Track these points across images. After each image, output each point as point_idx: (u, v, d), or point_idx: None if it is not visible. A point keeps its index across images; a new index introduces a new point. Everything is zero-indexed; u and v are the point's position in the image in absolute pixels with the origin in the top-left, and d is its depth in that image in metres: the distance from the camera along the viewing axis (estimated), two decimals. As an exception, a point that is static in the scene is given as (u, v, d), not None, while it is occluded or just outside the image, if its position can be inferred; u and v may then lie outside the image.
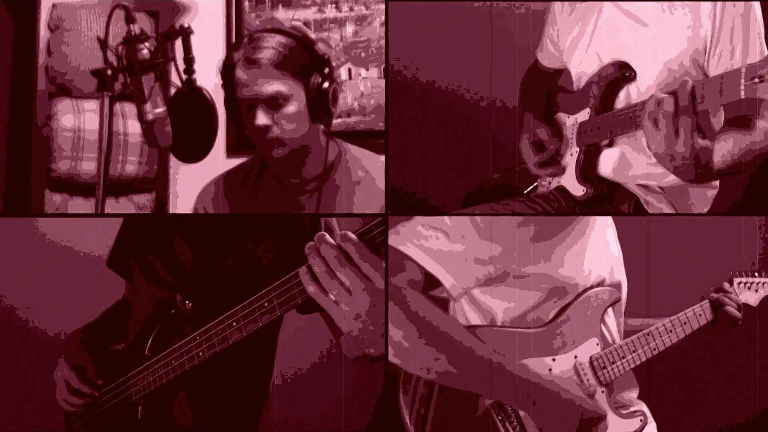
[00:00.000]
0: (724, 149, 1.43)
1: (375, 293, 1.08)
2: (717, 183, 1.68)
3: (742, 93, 1.23)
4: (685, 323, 1.55)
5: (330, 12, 2.52)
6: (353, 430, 2.12)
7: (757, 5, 1.48)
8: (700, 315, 1.58)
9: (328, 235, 1.10)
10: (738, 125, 1.50)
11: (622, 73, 1.59)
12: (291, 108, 1.64)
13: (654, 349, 1.50)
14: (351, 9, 2.51)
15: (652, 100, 1.34)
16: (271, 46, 1.64)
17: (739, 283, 1.64)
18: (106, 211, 1.60)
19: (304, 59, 1.65)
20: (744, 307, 1.62)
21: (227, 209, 1.80)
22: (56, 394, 1.55)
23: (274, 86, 1.63)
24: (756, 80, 1.21)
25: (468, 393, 1.36)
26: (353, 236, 1.09)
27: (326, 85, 1.65)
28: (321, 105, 1.66)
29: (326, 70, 1.66)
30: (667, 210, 1.66)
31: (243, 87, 1.64)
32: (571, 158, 1.71)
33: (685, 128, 1.30)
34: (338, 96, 1.71)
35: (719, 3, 1.48)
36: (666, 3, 1.54)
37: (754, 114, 1.49)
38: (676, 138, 1.31)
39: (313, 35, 1.68)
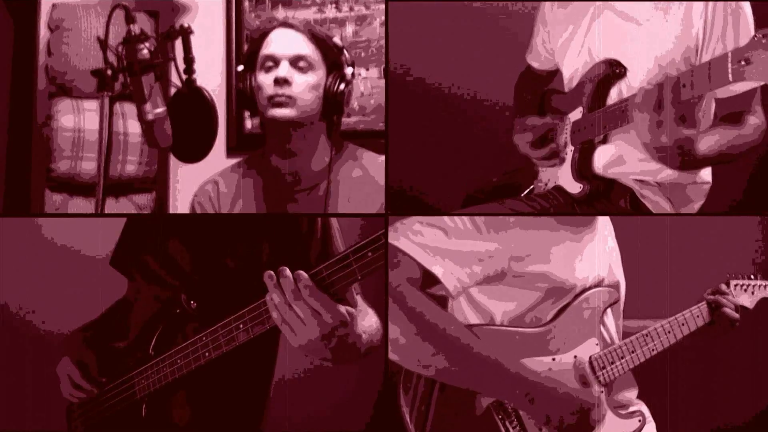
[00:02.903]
0: (711, 141, 1.47)
1: (324, 326, 1.22)
2: (709, 177, 1.70)
3: (730, 76, 1.26)
4: (683, 324, 1.55)
5: (330, 12, 2.52)
6: (354, 429, 2.12)
7: (746, 5, 1.50)
8: (698, 316, 1.58)
9: (287, 270, 1.22)
10: (729, 121, 1.53)
11: (612, 71, 1.61)
12: (311, 79, 1.69)
13: (653, 350, 1.50)
14: (351, 9, 2.51)
15: (640, 92, 1.39)
16: (310, 24, 1.75)
17: (736, 286, 1.64)
18: (106, 211, 1.60)
19: (333, 52, 1.72)
20: (740, 309, 1.63)
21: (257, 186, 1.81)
22: (61, 389, 1.56)
23: (304, 48, 1.70)
24: (743, 63, 1.24)
25: (468, 392, 1.36)
26: (305, 276, 1.22)
27: (342, 86, 1.70)
28: (335, 103, 1.71)
29: (349, 71, 1.73)
30: (663, 203, 1.67)
31: (274, 44, 1.71)
32: (567, 157, 1.71)
33: (669, 119, 1.35)
34: (351, 99, 1.76)
35: (710, 3, 1.50)
36: (659, 3, 1.56)
37: (746, 109, 1.54)
38: (659, 128, 1.36)
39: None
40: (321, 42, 1.71)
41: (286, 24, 1.73)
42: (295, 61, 1.69)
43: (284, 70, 1.68)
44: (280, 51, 1.69)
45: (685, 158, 1.40)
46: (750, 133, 1.54)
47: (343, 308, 1.25)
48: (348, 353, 1.32)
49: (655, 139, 1.37)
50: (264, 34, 1.73)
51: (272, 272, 1.23)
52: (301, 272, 1.22)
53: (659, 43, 1.55)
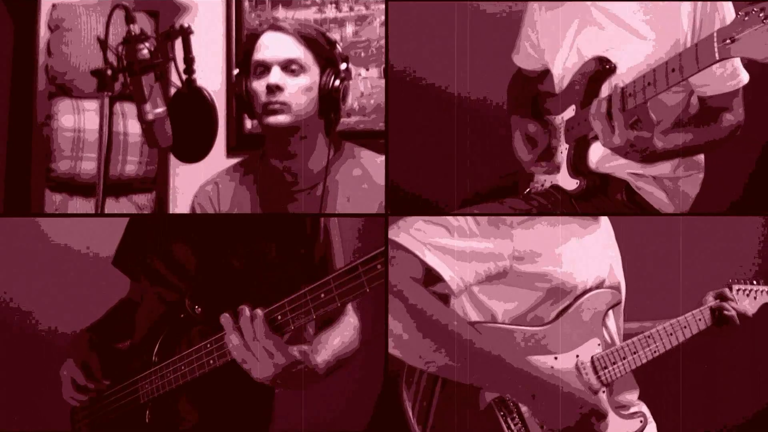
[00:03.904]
0: (682, 138, 1.58)
1: (277, 366, 1.30)
2: (702, 165, 1.73)
3: (717, 55, 1.32)
4: (685, 327, 1.56)
5: (330, 12, 2.52)
6: (356, 427, 2.12)
7: (729, 5, 1.54)
8: (700, 320, 1.58)
9: (247, 309, 1.29)
10: (706, 118, 1.62)
11: (602, 66, 1.62)
12: (304, 81, 1.67)
13: (655, 351, 1.50)
14: (351, 9, 2.51)
15: (595, 102, 1.53)
16: (299, 24, 1.72)
17: (738, 290, 1.64)
18: (106, 211, 1.59)
19: (326, 50, 1.70)
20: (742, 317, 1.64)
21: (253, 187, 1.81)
22: (62, 391, 1.56)
23: (295, 52, 1.67)
24: (728, 41, 1.29)
25: (471, 388, 1.37)
26: (261, 315, 1.28)
27: (338, 82, 1.69)
28: (331, 100, 1.69)
29: (343, 66, 1.71)
30: (659, 193, 1.69)
31: (264, 49, 1.69)
32: (562, 155, 1.72)
33: (619, 124, 1.48)
34: (348, 95, 1.74)
35: (698, 5, 1.54)
36: (647, 4, 1.58)
37: (727, 107, 1.62)
38: (612, 132, 1.50)
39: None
40: (311, 42, 1.69)
41: (275, 27, 1.70)
42: (286, 65, 1.67)
43: (276, 76, 1.66)
44: (270, 56, 1.68)
45: (643, 154, 1.52)
46: (720, 129, 1.61)
47: (294, 350, 1.32)
48: (306, 380, 1.38)
49: (609, 141, 1.51)
50: (255, 37, 1.72)
51: (229, 314, 1.30)
52: (258, 312, 1.28)
53: (647, 43, 1.58)
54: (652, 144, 1.51)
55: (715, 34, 1.32)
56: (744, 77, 1.60)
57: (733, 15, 1.52)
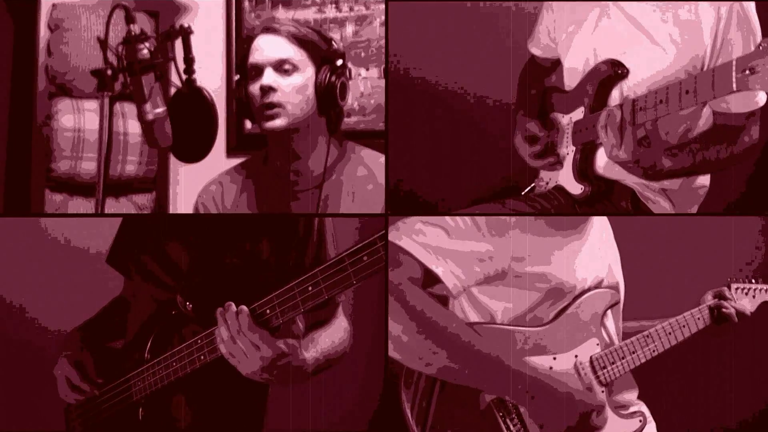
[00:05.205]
0: (685, 157, 1.53)
1: (264, 359, 1.31)
2: (707, 181, 1.72)
3: (734, 85, 1.25)
4: (684, 326, 1.56)
5: (330, 12, 2.52)
6: (354, 430, 2.12)
7: (752, 6, 1.49)
8: (699, 319, 1.59)
9: (233, 305, 1.32)
10: (720, 137, 1.56)
11: (614, 71, 1.60)
12: (298, 79, 1.66)
13: (653, 351, 1.51)
14: (351, 9, 2.51)
15: (605, 112, 1.49)
16: (292, 25, 1.71)
17: (737, 289, 1.65)
18: (106, 211, 1.60)
19: (321, 49, 1.69)
20: (740, 315, 1.64)
21: (252, 190, 1.80)
22: (58, 390, 1.56)
23: (286, 51, 1.66)
24: (747, 72, 1.23)
25: (470, 389, 1.37)
26: (246, 310, 1.30)
27: (333, 78, 1.67)
28: (329, 97, 1.67)
29: (339, 62, 1.69)
30: (664, 203, 1.68)
31: (257, 52, 1.68)
32: (567, 157, 1.71)
33: (627, 137, 1.45)
34: (346, 92, 1.72)
35: (722, 21, 1.49)
36: (669, 15, 1.55)
37: (743, 125, 1.56)
38: (620, 145, 1.46)
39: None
40: (305, 41, 1.68)
41: (267, 29, 1.69)
42: (278, 66, 1.66)
43: (268, 77, 1.65)
44: (263, 58, 1.67)
45: (648, 171, 1.50)
46: (734, 148, 1.56)
47: (281, 342, 1.32)
48: (294, 376, 1.38)
49: (615, 155, 1.48)
50: (249, 41, 1.71)
51: (222, 309, 1.32)
52: (243, 307, 1.30)
53: (664, 54, 1.54)
54: (660, 162, 1.50)
55: (734, 63, 1.26)
56: (762, 99, 1.54)
57: (757, 26, 1.48)
